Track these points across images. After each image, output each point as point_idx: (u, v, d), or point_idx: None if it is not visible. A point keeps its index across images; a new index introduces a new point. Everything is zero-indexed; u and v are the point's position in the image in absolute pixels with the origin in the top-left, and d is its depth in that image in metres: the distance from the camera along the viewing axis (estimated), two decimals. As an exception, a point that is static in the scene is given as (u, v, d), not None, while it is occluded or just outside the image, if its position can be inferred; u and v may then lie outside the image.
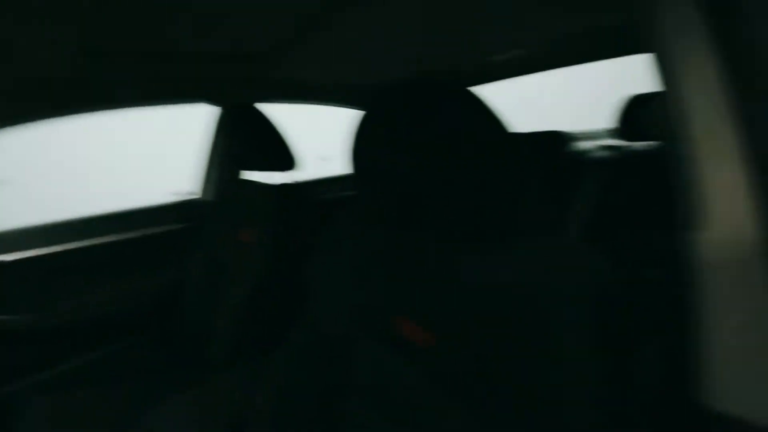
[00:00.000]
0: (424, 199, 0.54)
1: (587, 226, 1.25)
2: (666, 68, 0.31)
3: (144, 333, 1.44)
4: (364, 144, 0.58)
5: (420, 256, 0.59)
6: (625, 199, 1.21)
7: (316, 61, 1.26)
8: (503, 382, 0.44)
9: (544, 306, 0.41)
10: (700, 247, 0.27)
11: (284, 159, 1.15)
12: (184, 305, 1.32)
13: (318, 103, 1.62)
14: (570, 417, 0.37)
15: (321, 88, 1.57)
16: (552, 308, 0.40)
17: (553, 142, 1.52)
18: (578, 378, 0.37)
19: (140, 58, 1.07)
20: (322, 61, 1.27)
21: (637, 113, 1.25)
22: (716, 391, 0.25)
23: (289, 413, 0.69)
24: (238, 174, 1.49)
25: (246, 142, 1.13)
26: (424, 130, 0.47)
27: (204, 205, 1.51)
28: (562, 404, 0.38)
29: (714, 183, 0.26)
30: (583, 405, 0.37)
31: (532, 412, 0.40)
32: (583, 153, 1.51)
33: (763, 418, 0.23)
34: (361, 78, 1.50)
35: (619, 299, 0.40)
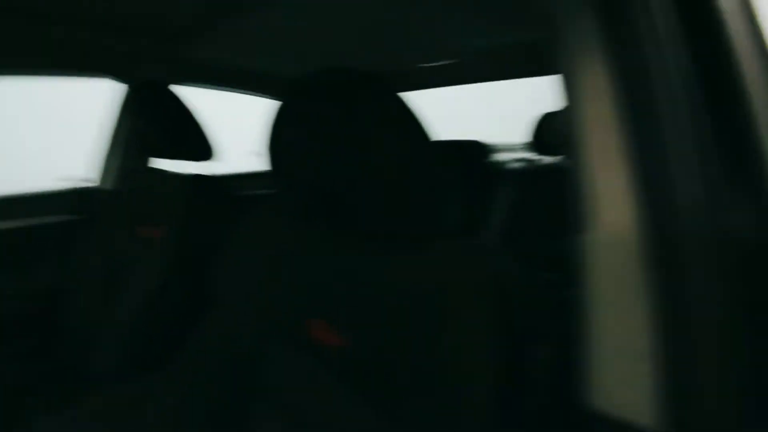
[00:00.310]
0: (336, 197, 0.53)
1: (501, 231, 1.35)
2: (564, 82, 0.33)
3: (14, 342, 1.22)
4: (278, 137, 0.55)
5: (332, 256, 0.57)
6: (535, 207, 1.33)
7: (235, 44, 1.19)
8: (408, 382, 0.44)
9: (446, 305, 0.42)
10: (586, 250, 0.30)
11: (199, 148, 1.05)
12: (68, 309, 1.14)
13: (236, 91, 1.52)
14: (467, 415, 0.38)
15: (239, 74, 1.47)
16: (453, 307, 0.41)
17: (473, 150, 1.61)
18: (475, 377, 0.38)
19: (33, 18, 0.91)
20: (241, 45, 1.20)
21: (548, 129, 1.38)
22: (599, 391, 0.27)
23: (194, 419, 0.63)
24: (144, 162, 1.34)
25: (156, 125, 1.01)
26: (338, 125, 0.45)
27: (101, 194, 1.33)
28: (460, 402, 0.38)
29: (601, 190, 0.29)
30: (480, 404, 0.38)
31: (434, 410, 0.40)
32: (500, 163, 1.62)
33: (642, 418, 0.25)
34: (280, 67, 1.44)
35: (517, 300, 0.42)
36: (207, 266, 0.72)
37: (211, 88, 1.45)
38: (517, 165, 1.54)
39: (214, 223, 1.00)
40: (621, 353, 0.27)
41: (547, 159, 1.48)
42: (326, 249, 0.59)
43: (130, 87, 1.25)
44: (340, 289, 0.55)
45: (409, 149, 0.46)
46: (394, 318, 0.47)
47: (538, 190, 1.34)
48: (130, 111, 1.14)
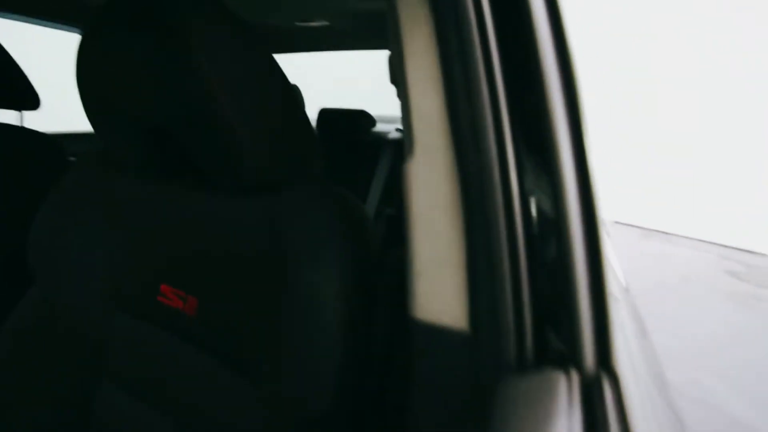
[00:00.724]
0: (170, 140, 0.48)
1: (381, 196, 1.42)
2: (397, 64, 0.34)
3: None
4: (87, 72, 0.47)
5: (175, 210, 0.52)
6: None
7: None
8: (260, 340, 0.43)
9: (300, 247, 0.40)
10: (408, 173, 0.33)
11: (19, 91, 0.85)
12: None
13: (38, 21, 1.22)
14: (318, 365, 0.38)
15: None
16: (306, 248, 0.40)
17: (361, 120, 1.65)
18: (324, 324, 0.38)
19: None
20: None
21: None
22: (419, 302, 0.31)
23: (33, 404, 0.55)
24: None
25: None
26: (161, 52, 0.40)
27: None
28: (310, 356, 0.38)
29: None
30: (331, 351, 0.38)
31: (290, 365, 0.40)
32: (383, 133, 1.68)
33: (455, 323, 0.29)
34: None
35: (369, 237, 0.44)
36: (24, 238, 0.60)
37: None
38: (395, 135, 1.62)
39: (32, 185, 0.82)
40: (434, 264, 0.30)
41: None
42: (163, 203, 0.54)
43: None
44: (184, 247, 0.50)
45: (256, 83, 0.43)
46: (243, 272, 0.45)
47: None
48: None
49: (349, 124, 1.64)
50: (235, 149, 0.42)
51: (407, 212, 0.32)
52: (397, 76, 0.34)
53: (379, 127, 1.75)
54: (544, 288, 0.28)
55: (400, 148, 1.31)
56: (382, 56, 1.70)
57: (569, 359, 0.25)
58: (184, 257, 0.50)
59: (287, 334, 0.40)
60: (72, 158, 0.88)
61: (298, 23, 1.36)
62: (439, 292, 0.29)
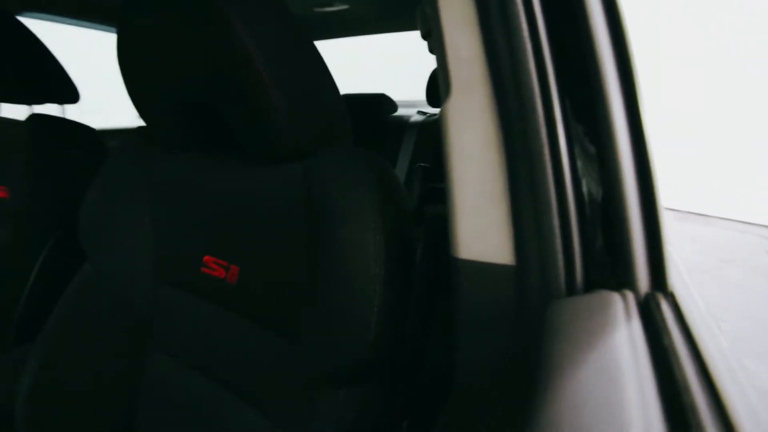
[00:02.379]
0: (208, 114, 0.49)
1: (404, 179, 1.42)
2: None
3: None
4: (128, 52, 0.49)
5: (215, 184, 0.54)
6: (429, 154, 1.42)
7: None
8: (299, 301, 0.44)
9: (336, 206, 0.41)
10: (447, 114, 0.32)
11: (60, 86, 0.89)
12: None
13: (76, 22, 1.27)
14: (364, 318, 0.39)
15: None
16: (342, 206, 0.41)
17: (381, 104, 1.65)
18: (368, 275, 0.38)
19: None
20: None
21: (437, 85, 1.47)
22: (462, 242, 0.31)
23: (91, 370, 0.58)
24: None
25: None
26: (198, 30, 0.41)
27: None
28: (350, 311, 0.38)
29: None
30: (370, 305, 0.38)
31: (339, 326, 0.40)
32: (403, 117, 1.68)
33: (500, 259, 0.29)
34: None
35: (400, 196, 0.43)
36: (75, 220, 0.63)
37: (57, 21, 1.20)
38: (417, 118, 1.62)
39: (75, 171, 0.86)
40: (477, 201, 0.30)
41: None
42: (203, 177, 0.55)
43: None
44: (225, 219, 0.52)
45: (290, 50, 0.43)
46: (283, 238, 0.46)
47: (432, 139, 1.44)
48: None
49: (370, 109, 1.65)
50: (273, 117, 0.43)
51: (446, 154, 0.32)
52: (431, 21, 0.34)
53: (400, 112, 1.75)
54: (592, 215, 0.27)
55: (423, 131, 1.30)
56: (398, 41, 1.70)
57: (622, 282, 0.24)
58: (225, 228, 0.52)
59: (326, 292, 0.41)
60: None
61: (316, 9, 1.36)
62: (482, 227, 0.29)
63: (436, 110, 1.60)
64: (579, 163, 0.28)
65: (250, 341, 0.50)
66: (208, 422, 0.53)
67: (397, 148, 1.52)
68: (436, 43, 0.34)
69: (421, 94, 1.57)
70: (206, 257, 0.54)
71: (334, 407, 0.40)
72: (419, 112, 1.68)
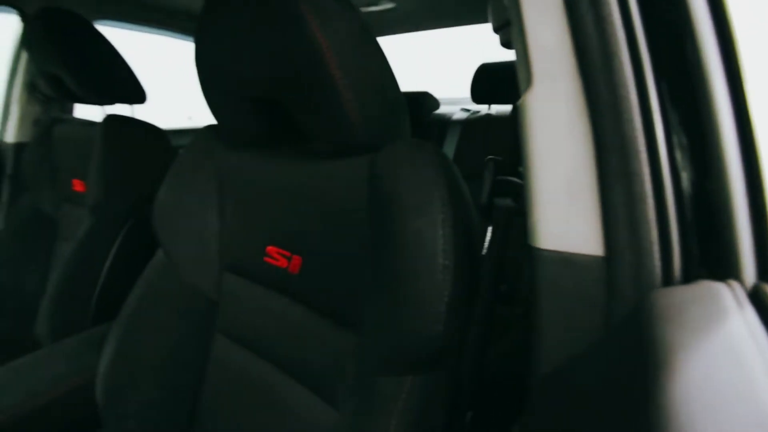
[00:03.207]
0: (275, 108, 0.51)
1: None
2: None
3: None
4: (205, 50, 0.52)
5: (280, 177, 0.56)
6: (472, 152, 1.40)
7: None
8: (362, 291, 0.45)
9: (401, 201, 0.42)
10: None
11: (128, 88, 0.96)
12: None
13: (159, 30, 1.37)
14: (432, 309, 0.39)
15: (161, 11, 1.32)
16: (407, 202, 0.41)
17: (424, 102, 1.66)
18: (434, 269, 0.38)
19: None
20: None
21: (485, 80, 1.44)
22: (544, 231, 0.30)
23: (154, 357, 0.61)
24: (58, 106, 1.20)
25: (73, 62, 0.89)
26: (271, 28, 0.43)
27: (12, 147, 1.18)
28: (419, 300, 0.39)
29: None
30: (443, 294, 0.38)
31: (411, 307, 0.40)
32: (446, 114, 1.67)
33: (586, 249, 0.29)
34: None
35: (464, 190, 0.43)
36: (149, 211, 0.68)
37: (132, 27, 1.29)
38: (461, 115, 1.60)
39: (144, 167, 0.93)
40: (560, 191, 0.30)
41: (484, 108, 1.56)
42: (268, 171, 0.58)
43: (34, 16, 1.08)
44: (289, 210, 0.54)
45: (359, 47, 0.45)
46: (348, 229, 0.47)
47: (477, 135, 1.42)
48: (33, 46, 0.99)
49: (413, 106, 1.65)
50: (343, 112, 0.44)
51: (525, 144, 0.32)
52: (510, 11, 0.34)
53: (442, 109, 1.74)
54: (691, 203, 0.26)
55: (467, 128, 1.29)
56: (439, 38, 1.68)
57: (725, 272, 0.24)
58: (288, 220, 0.54)
59: (394, 283, 0.41)
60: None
61: (363, 9, 1.38)
62: (567, 218, 0.29)
63: (480, 107, 1.58)
64: (677, 151, 0.27)
65: (311, 329, 0.52)
66: (270, 404, 0.55)
67: (440, 146, 1.52)
68: (515, 33, 0.34)
69: (463, 92, 1.56)
70: (269, 248, 0.56)
71: (399, 395, 0.41)
72: (463, 110, 1.66)
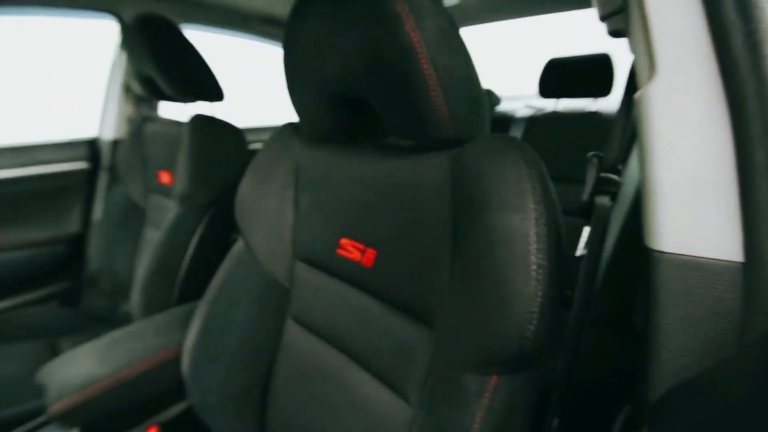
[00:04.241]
0: (360, 104, 0.52)
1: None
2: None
3: (42, 288, 1.25)
4: (294, 48, 0.54)
5: (357, 170, 0.57)
6: (539, 148, 1.34)
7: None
8: (440, 286, 0.45)
9: (483, 196, 0.41)
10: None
11: (209, 87, 1.03)
12: (92, 258, 1.16)
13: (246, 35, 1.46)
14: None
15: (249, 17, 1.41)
16: (491, 197, 0.41)
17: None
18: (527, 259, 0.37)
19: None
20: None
21: (553, 75, 1.38)
22: (666, 233, 0.28)
23: (240, 327, 0.65)
24: (148, 106, 1.32)
25: (161, 63, 0.97)
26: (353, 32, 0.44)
27: (110, 143, 1.31)
28: (510, 298, 0.38)
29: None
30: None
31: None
32: (508, 111, 1.61)
33: (718, 253, 0.26)
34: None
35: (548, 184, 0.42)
36: (230, 202, 0.73)
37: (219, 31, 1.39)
38: (525, 111, 1.54)
39: (223, 161, 1.00)
40: (687, 188, 0.27)
41: (550, 104, 1.49)
42: (345, 164, 0.59)
43: (131, 23, 1.19)
44: (365, 204, 0.55)
45: (448, 43, 0.44)
46: (428, 224, 0.47)
47: (541, 133, 1.36)
48: (131, 50, 1.09)
49: None
50: (429, 107, 0.44)
51: (644, 139, 0.30)
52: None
53: (504, 106, 1.68)
54: None
55: (532, 125, 1.24)
56: (495, 34, 1.62)
57: None
58: (364, 213, 0.55)
59: (480, 280, 0.40)
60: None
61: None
62: (694, 218, 0.27)
63: (546, 102, 1.51)
64: None
65: (382, 321, 0.53)
66: (339, 390, 0.56)
67: None
68: (634, 19, 0.32)
69: (524, 89, 1.50)
70: (342, 240, 0.57)
71: (483, 393, 0.40)
72: (527, 106, 1.60)
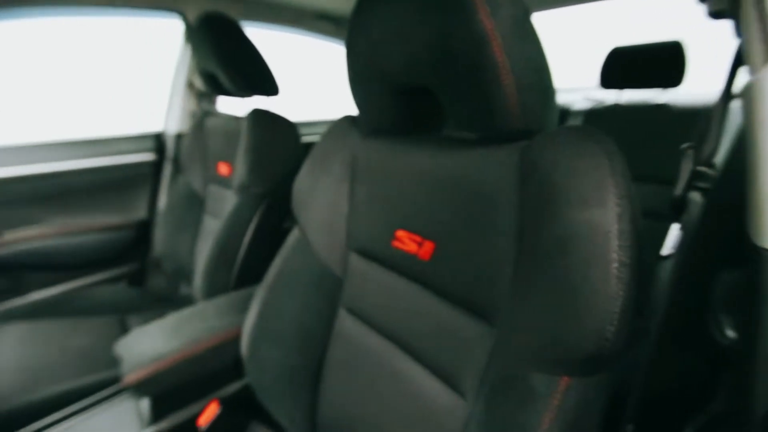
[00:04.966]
0: (422, 97, 0.51)
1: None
2: None
3: (113, 269, 1.36)
4: (358, 41, 0.54)
5: (417, 162, 0.56)
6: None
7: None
8: (504, 282, 0.44)
9: (559, 190, 0.40)
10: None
11: (266, 82, 1.07)
12: (157, 242, 1.25)
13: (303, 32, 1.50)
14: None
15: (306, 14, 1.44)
16: (568, 191, 0.39)
17: None
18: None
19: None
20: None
21: (617, 64, 1.29)
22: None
23: (296, 312, 0.68)
24: (209, 100, 1.39)
25: (223, 59, 1.02)
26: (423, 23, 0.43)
27: (174, 136, 1.40)
28: (590, 296, 0.36)
29: None
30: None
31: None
32: (565, 104, 1.54)
33: None
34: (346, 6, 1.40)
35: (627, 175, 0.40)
36: (284, 193, 0.75)
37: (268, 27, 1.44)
38: (583, 104, 1.46)
39: (278, 154, 1.03)
40: None
41: (612, 96, 1.40)
42: (403, 156, 0.58)
43: (190, 23, 1.26)
44: (424, 196, 0.54)
45: (522, 35, 0.43)
46: (493, 218, 0.46)
47: (601, 127, 1.28)
48: (195, 47, 1.15)
49: None
50: (500, 97, 0.43)
51: (756, 130, 0.27)
52: None
53: (558, 98, 1.60)
54: None
55: (590, 119, 1.17)
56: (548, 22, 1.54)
57: None
58: (423, 205, 0.54)
59: (551, 276, 0.39)
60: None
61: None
62: None
63: (606, 94, 1.42)
64: None
65: (437, 315, 0.52)
66: (391, 381, 0.56)
67: None
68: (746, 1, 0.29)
69: (580, 81, 1.41)
70: (398, 231, 0.57)
71: (553, 393, 0.38)
72: (585, 99, 1.52)
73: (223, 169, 1.12)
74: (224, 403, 0.77)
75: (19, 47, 1.63)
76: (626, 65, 1.27)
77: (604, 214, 0.36)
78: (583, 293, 0.36)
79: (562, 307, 0.38)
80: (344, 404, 0.63)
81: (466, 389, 0.48)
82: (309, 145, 0.78)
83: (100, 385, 0.84)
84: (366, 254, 0.63)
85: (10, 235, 1.18)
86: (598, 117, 1.32)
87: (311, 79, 2.28)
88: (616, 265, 0.35)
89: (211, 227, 1.14)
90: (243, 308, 0.78)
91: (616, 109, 1.32)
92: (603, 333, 0.35)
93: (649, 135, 1.18)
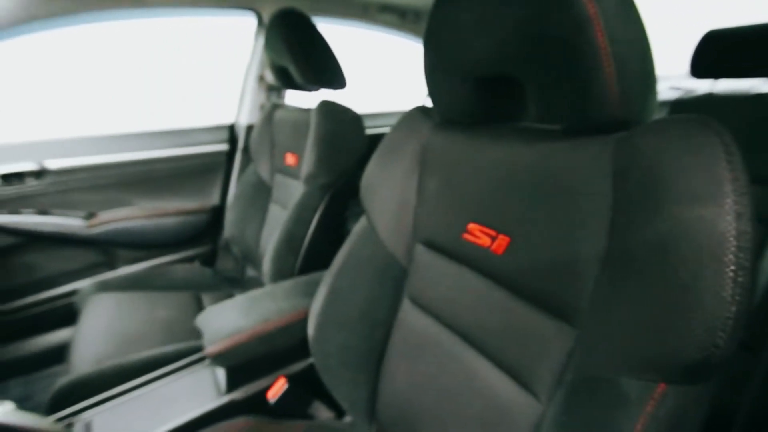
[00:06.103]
0: (507, 91, 0.49)
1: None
2: None
3: (188, 249, 1.48)
4: (440, 32, 0.53)
5: (493, 153, 0.55)
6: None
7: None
8: (588, 281, 0.42)
9: (662, 185, 0.37)
10: None
11: (335, 75, 1.09)
12: (227, 227, 1.34)
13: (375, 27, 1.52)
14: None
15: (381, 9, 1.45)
16: (674, 186, 0.36)
17: None
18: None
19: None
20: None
21: (712, 50, 1.16)
22: None
23: (362, 298, 0.69)
24: (279, 93, 1.45)
25: (294, 52, 1.05)
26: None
27: (245, 128, 1.48)
28: (701, 299, 0.33)
29: None
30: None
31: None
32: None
33: None
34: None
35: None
36: (348, 183, 0.76)
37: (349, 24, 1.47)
38: (670, 94, 1.34)
39: (343, 145, 1.05)
40: None
41: (704, 84, 1.26)
42: (479, 147, 0.57)
43: (263, 20, 1.32)
44: (500, 188, 0.53)
45: (626, 18, 0.40)
46: (581, 213, 0.44)
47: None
48: (268, 42, 1.20)
49: None
50: (600, 85, 0.40)
51: None
52: None
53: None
54: None
55: (677, 110, 1.06)
56: None
57: None
58: (499, 199, 0.52)
59: (649, 278, 0.36)
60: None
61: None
62: None
63: (698, 83, 1.28)
64: None
65: (509, 311, 0.50)
66: (457, 376, 0.56)
67: None
68: None
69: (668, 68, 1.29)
70: (470, 224, 0.56)
71: (647, 401, 0.36)
72: (673, 88, 1.38)
73: (290, 159, 1.16)
74: (291, 380, 0.81)
75: (114, 49, 1.82)
76: (723, 51, 1.13)
77: (718, 213, 0.33)
78: (694, 297, 0.33)
79: (666, 308, 0.35)
80: (405, 394, 0.63)
81: (539, 389, 0.47)
82: (373, 137, 0.78)
83: (181, 354, 0.92)
84: (433, 246, 0.63)
85: (105, 215, 1.32)
86: (687, 109, 1.20)
87: (373, 72, 2.30)
88: (733, 267, 0.32)
89: (277, 215, 1.20)
90: (308, 292, 0.81)
91: (709, 100, 1.19)
92: (713, 339, 0.32)
93: (749, 128, 1.05)
